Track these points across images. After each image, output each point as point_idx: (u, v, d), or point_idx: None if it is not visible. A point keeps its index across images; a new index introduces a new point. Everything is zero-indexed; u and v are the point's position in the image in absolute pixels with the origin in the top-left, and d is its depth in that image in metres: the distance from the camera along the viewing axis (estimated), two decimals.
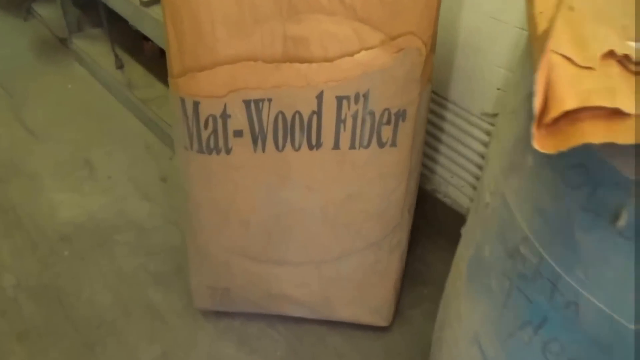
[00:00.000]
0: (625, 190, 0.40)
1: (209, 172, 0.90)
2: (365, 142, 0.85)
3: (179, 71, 0.82)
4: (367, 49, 0.78)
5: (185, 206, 1.00)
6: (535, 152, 0.50)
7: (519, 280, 0.53)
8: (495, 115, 1.03)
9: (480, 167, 1.12)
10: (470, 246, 0.67)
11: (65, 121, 1.75)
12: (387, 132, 0.84)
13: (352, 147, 0.85)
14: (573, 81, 0.38)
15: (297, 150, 0.86)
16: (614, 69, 0.39)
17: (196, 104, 0.83)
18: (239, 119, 0.84)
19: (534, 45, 0.42)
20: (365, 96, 0.80)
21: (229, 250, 0.99)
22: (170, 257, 1.29)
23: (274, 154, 0.87)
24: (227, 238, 0.98)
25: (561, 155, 0.37)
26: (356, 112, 0.82)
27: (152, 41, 1.54)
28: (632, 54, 0.39)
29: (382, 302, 1.04)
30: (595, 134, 0.36)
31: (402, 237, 0.99)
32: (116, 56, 1.78)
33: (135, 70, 1.87)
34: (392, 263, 1.00)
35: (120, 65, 1.81)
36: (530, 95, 0.53)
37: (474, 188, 1.17)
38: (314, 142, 0.85)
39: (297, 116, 0.83)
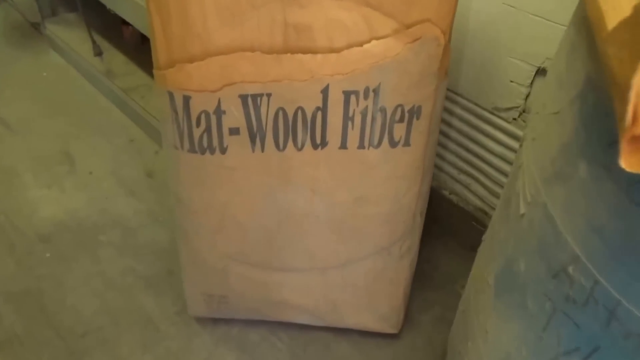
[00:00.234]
0: None
1: (202, 173, 0.83)
2: (375, 142, 0.78)
3: (166, 62, 0.75)
4: (378, 38, 0.71)
5: (175, 209, 0.92)
6: (590, 161, 0.44)
7: (565, 304, 0.48)
8: (508, 109, 0.97)
9: (489, 164, 1.07)
10: (499, 258, 0.61)
11: (42, 112, 1.66)
12: (399, 131, 0.77)
13: (361, 146, 0.78)
14: None
15: (299, 149, 0.79)
16: None
17: (187, 99, 0.76)
18: (235, 116, 0.77)
19: (606, 42, 0.35)
20: (376, 91, 0.74)
21: (225, 256, 0.93)
22: (159, 258, 1.22)
23: (274, 154, 0.80)
24: (224, 244, 0.92)
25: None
26: (366, 108, 0.75)
27: (132, 26, 1.45)
28: None
29: (391, 310, 0.99)
30: None
31: (412, 242, 0.93)
32: (94, 42, 1.69)
33: (115, 58, 1.78)
34: (401, 270, 0.94)
35: (98, 52, 1.72)
36: (580, 96, 0.47)
37: (483, 186, 1.11)
38: (318, 140, 0.78)
39: (299, 113, 0.76)
